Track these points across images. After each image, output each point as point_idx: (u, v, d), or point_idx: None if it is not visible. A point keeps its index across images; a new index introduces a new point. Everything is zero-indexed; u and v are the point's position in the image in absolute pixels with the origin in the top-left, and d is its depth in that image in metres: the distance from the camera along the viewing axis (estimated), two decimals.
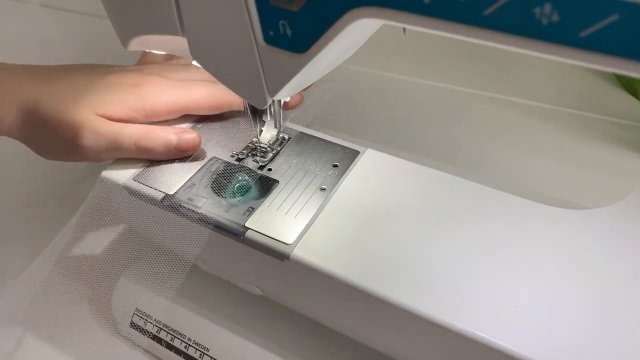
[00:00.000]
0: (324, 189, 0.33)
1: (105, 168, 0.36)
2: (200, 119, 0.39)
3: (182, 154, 0.36)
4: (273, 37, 0.23)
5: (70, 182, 0.51)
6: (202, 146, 0.37)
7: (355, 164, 0.35)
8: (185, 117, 0.39)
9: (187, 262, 0.33)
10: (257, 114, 0.35)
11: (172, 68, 0.41)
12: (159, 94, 0.37)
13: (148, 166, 0.35)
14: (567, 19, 0.15)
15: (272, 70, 0.25)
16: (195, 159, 0.36)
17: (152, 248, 0.37)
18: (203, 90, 0.38)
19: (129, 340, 0.40)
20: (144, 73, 0.39)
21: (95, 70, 0.38)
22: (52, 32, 0.67)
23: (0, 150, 0.53)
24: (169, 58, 0.44)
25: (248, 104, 0.34)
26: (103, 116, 0.35)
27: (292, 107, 0.43)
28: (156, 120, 0.38)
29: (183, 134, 0.35)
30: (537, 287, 0.27)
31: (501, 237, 0.30)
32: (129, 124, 0.36)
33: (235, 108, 0.40)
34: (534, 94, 0.57)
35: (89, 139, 0.35)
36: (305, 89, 0.44)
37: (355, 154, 0.36)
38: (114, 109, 0.36)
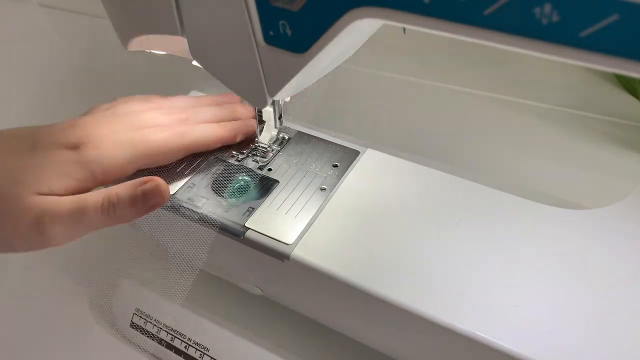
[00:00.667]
0: (324, 189, 0.33)
1: None
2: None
3: (152, 209, 0.30)
4: (273, 37, 0.23)
5: None
6: None
7: (355, 164, 0.35)
8: None
9: (194, 270, 0.33)
10: (256, 114, 0.35)
11: (122, 107, 0.35)
12: (108, 154, 0.31)
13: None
14: (567, 19, 0.15)
15: (272, 70, 0.25)
16: (195, 159, 0.36)
17: (152, 248, 0.37)
18: (163, 135, 0.33)
19: (128, 340, 0.40)
20: (82, 126, 0.32)
21: (21, 137, 0.31)
22: (52, 32, 0.67)
23: None
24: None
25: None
26: (50, 194, 0.29)
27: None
28: (112, 183, 0.31)
29: (146, 185, 0.30)
30: (537, 287, 0.27)
31: (501, 237, 0.30)
32: (86, 197, 0.30)
33: (204, 147, 0.35)
34: (534, 94, 0.57)
35: (56, 227, 0.29)
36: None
37: (355, 154, 0.36)
38: (58, 186, 0.29)
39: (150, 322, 0.39)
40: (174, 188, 0.34)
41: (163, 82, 0.49)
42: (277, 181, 0.34)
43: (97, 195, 0.29)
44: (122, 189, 0.30)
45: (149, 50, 0.32)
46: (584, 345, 0.25)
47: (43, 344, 0.40)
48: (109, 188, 0.30)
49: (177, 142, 0.33)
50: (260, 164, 0.35)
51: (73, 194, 0.30)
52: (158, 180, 0.30)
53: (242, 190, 0.34)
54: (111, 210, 0.29)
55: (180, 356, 0.37)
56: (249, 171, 0.35)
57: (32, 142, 0.31)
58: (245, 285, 0.36)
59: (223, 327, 0.37)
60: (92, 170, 0.31)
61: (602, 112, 0.54)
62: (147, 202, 0.29)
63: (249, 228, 0.31)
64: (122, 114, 0.34)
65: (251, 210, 0.32)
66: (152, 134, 0.32)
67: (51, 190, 0.29)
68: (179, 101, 0.37)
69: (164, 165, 0.34)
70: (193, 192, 0.33)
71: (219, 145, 0.35)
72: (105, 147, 0.31)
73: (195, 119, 0.35)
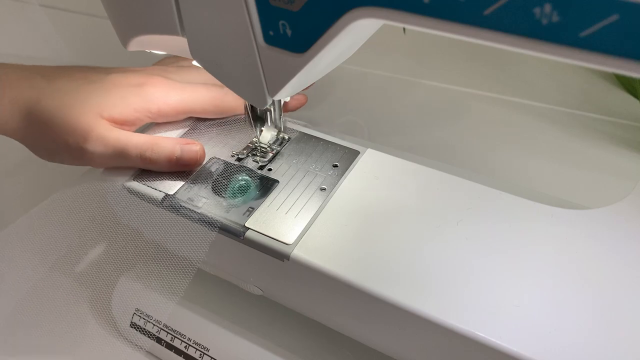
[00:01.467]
0: (324, 189, 0.33)
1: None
2: (201, 119, 0.39)
3: (185, 168, 0.35)
4: (273, 37, 0.23)
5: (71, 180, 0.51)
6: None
7: (355, 164, 0.35)
8: (186, 118, 0.39)
9: (192, 267, 0.33)
10: (257, 114, 0.35)
11: (177, 70, 0.40)
12: (164, 95, 0.36)
13: None
14: (567, 19, 0.15)
15: (272, 70, 0.25)
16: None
17: (152, 248, 0.37)
18: (209, 94, 0.38)
19: (128, 340, 0.40)
20: (146, 74, 0.38)
21: (96, 71, 0.38)
22: (51, 32, 0.67)
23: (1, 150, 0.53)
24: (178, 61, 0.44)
25: (248, 103, 0.34)
26: (108, 119, 0.35)
27: (295, 109, 0.42)
28: (160, 121, 0.38)
29: (187, 147, 0.34)
30: (537, 287, 0.27)
31: (501, 237, 0.30)
32: (135, 134, 0.35)
33: (239, 113, 0.39)
34: (534, 94, 0.57)
35: (96, 147, 0.34)
36: (305, 89, 0.44)
37: (355, 154, 0.36)
38: (119, 112, 0.35)
39: (150, 322, 0.39)
40: (174, 188, 0.34)
41: None
42: (277, 181, 0.34)
43: (141, 138, 0.35)
44: (165, 141, 0.34)
45: (149, 50, 0.32)
46: (584, 345, 0.25)
47: (43, 343, 0.40)
48: (154, 136, 0.36)
49: (218, 103, 0.38)
50: (260, 164, 0.35)
51: (127, 124, 0.36)
52: (198, 146, 0.35)
53: (242, 190, 0.34)
54: (148, 155, 0.34)
55: (180, 356, 0.37)
56: (249, 171, 0.35)
57: (104, 74, 0.37)
58: (245, 285, 0.36)
59: (223, 327, 0.37)
60: (149, 106, 0.36)
61: (602, 112, 0.54)
62: (181, 161, 0.34)
63: (249, 228, 0.31)
64: (179, 72, 0.40)
65: (251, 210, 0.32)
66: (200, 91, 0.38)
67: (110, 115, 0.35)
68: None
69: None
70: (193, 192, 0.33)
71: (239, 113, 0.40)
72: (163, 89, 0.37)
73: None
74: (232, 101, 0.38)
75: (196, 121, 0.39)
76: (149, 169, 0.35)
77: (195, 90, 0.37)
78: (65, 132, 0.34)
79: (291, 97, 0.41)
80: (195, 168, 0.35)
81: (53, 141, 0.35)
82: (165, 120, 0.38)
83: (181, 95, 0.37)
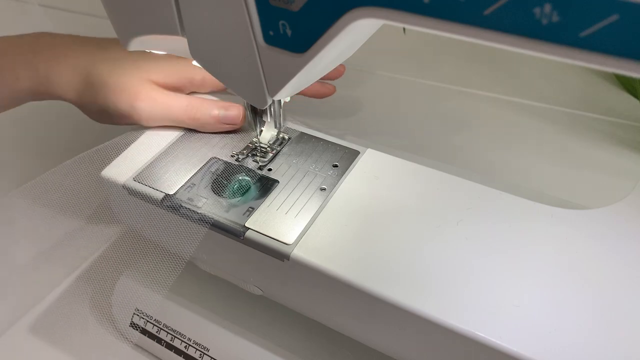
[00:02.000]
0: (324, 189, 0.33)
1: (105, 168, 0.36)
2: None
3: (228, 127, 0.38)
4: (273, 37, 0.23)
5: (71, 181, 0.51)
6: (202, 146, 0.37)
7: (355, 164, 0.35)
8: None
9: (182, 259, 0.33)
10: (257, 113, 0.35)
11: None
12: None
13: (148, 166, 0.35)
14: (567, 19, 0.15)
15: (272, 70, 0.25)
16: (195, 159, 0.36)
17: (152, 248, 0.37)
18: None
19: (129, 340, 0.40)
20: None
21: None
22: (52, 32, 0.67)
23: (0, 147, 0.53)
24: None
25: (248, 103, 0.34)
26: (155, 83, 0.38)
27: (323, 96, 0.46)
28: (202, 91, 0.41)
29: (230, 108, 0.38)
30: (537, 287, 0.27)
31: (501, 237, 0.30)
32: (182, 95, 0.39)
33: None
34: (534, 94, 0.57)
35: (146, 105, 0.37)
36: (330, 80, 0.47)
37: (355, 154, 0.36)
38: (166, 77, 0.39)
39: (150, 322, 0.39)
40: (173, 188, 0.34)
41: None
42: (277, 181, 0.34)
43: (188, 98, 0.38)
44: (210, 101, 0.38)
45: (149, 50, 0.32)
46: (584, 345, 0.25)
47: (43, 343, 0.40)
48: (198, 97, 0.39)
49: None
50: (260, 164, 0.35)
51: (171, 89, 0.39)
52: (240, 107, 0.38)
53: (242, 190, 0.34)
54: (194, 113, 0.37)
55: (180, 356, 0.37)
56: (249, 171, 0.35)
57: None
58: (245, 285, 0.36)
59: (223, 327, 0.37)
60: (193, 75, 0.39)
61: (602, 112, 0.54)
62: (226, 119, 0.38)
63: (249, 228, 0.31)
64: None
65: (251, 210, 0.32)
66: None
67: (158, 79, 0.39)
68: None
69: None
70: (193, 192, 0.33)
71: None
72: None
73: None
74: None
75: None
76: (194, 127, 0.38)
77: None
78: (116, 93, 0.38)
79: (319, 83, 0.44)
80: (237, 126, 0.38)
81: (105, 102, 0.38)
82: (206, 91, 0.41)
83: None
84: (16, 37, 0.41)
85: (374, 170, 0.34)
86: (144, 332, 0.39)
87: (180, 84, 0.39)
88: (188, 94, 0.40)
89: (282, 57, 0.24)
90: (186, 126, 0.38)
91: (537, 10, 0.16)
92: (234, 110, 0.38)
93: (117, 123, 0.40)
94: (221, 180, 0.34)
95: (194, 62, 0.29)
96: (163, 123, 0.38)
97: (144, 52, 0.38)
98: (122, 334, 0.40)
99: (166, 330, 0.38)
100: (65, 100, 0.40)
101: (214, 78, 0.38)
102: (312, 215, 0.31)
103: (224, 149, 0.37)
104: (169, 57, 0.39)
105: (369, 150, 0.36)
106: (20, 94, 0.40)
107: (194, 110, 0.37)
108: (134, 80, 0.38)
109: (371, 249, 0.29)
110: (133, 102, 0.37)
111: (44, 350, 0.39)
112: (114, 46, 0.41)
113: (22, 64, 0.39)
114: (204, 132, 0.38)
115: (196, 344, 0.37)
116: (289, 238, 0.30)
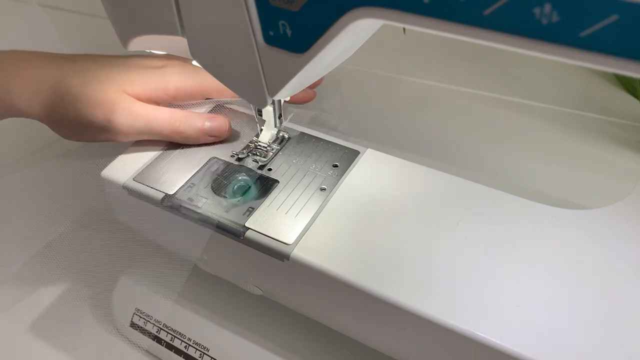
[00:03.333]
0: (324, 189, 0.33)
1: (105, 167, 0.36)
2: None
3: (212, 139, 0.37)
4: (273, 37, 0.23)
5: (71, 183, 0.51)
6: (202, 146, 0.37)
7: (355, 164, 0.35)
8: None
9: (189, 264, 0.33)
10: (257, 113, 0.35)
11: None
12: (184, 77, 0.38)
13: (148, 166, 0.35)
14: (567, 19, 0.15)
15: (272, 70, 0.25)
16: (195, 159, 0.36)
17: (152, 248, 0.37)
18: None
19: (129, 340, 0.40)
20: (166, 58, 0.40)
21: (117, 56, 0.40)
22: (51, 32, 0.67)
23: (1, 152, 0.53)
24: None
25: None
26: (131, 94, 0.36)
27: (304, 102, 0.44)
28: (178, 101, 0.39)
29: (214, 119, 0.36)
30: (537, 287, 0.27)
31: (501, 237, 0.30)
32: (163, 107, 0.37)
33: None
34: (534, 94, 0.57)
35: (124, 119, 0.35)
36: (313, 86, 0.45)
37: (355, 154, 0.36)
38: (141, 88, 0.36)
39: (150, 322, 0.39)
40: (173, 188, 0.34)
41: None
42: (277, 181, 0.34)
43: (170, 110, 0.36)
44: (194, 113, 0.36)
45: (149, 50, 0.32)
46: (584, 345, 0.25)
47: (43, 343, 0.40)
48: (181, 110, 0.37)
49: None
50: (260, 163, 0.35)
51: (147, 101, 0.37)
52: (224, 118, 0.37)
53: (242, 190, 0.34)
54: (178, 126, 0.36)
55: (180, 356, 0.37)
56: (248, 171, 0.35)
57: (125, 58, 0.39)
58: (245, 285, 0.36)
59: (223, 327, 0.37)
60: (168, 85, 0.37)
61: (602, 112, 0.54)
62: (211, 131, 0.36)
63: (249, 228, 0.31)
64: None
65: (251, 210, 0.32)
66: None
67: (133, 91, 0.36)
68: None
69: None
70: (193, 192, 0.33)
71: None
72: (182, 70, 0.38)
73: None
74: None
75: None
76: (177, 141, 0.36)
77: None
78: (91, 106, 0.35)
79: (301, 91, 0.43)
80: (223, 137, 0.37)
81: (77, 116, 0.35)
82: (183, 102, 0.39)
83: (199, 79, 0.38)
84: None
85: (374, 170, 0.34)
86: (144, 332, 0.39)
87: (155, 95, 0.37)
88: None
89: (282, 57, 0.24)
90: (168, 139, 0.36)
91: (537, 10, 0.16)
92: (219, 122, 0.36)
93: (90, 139, 0.37)
94: (221, 180, 0.34)
95: (194, 62, 0.29)
96: (142, 137, 0.36)
97: (116, 62, 0.37)
98: (122, 334, 0.40)
99: (166, 330, 0.38)
100: (29, 117, 0.37)
101: (188, 87, 0.38)
102: (312, 215, 0.31)
103: (224, 149, 0.37)
104: (140, 66, 0.38)
105: (369, 150, 0.36)
106: None
107: (177, 123, 0.36)
108: (109, 91, 0.35)
109: (371, 249, 0.29)
110: (109, 116, 0.34)
111: (44, 351, 0.39)
112: (84, 58, 0.38)
113: None
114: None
115: (196, 344, 0.37)
116: (289, 238, 0.30)
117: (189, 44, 0.27)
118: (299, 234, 0.30)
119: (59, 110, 0.36)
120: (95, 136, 0.36)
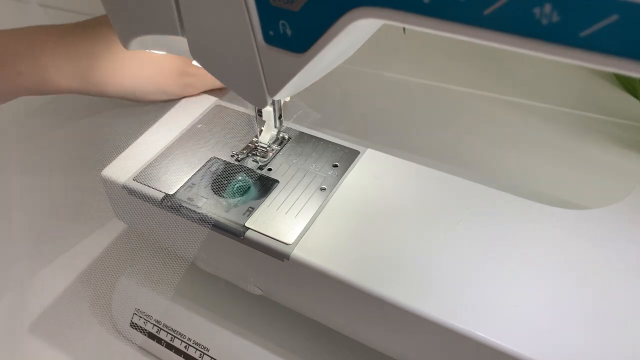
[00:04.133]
0: (324, 189, 0.33)
1: (105, 168, 0.36)
2: (200, 119, 0.39)
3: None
4: (273, 37, 0.23)
5: (70, 186, 0.51)
6: (202, 146, 0.37)
7: (355, 164, 0.35)
8: (188, 115, 0.39)
9: (185, 261, 0.33)
10: (257, 114, 0.35)
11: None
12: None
13: (148, 166, 0.35)
14: (567, 19, 0.15)
15: (272, 70, 0.25)
16: (195, 159, 0.36)
17: (152, 248, 0.37)
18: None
19: (129, 340, 0.40)
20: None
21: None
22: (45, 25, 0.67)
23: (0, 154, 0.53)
24: None
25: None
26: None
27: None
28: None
29: None
30: (537, 287, 0.27)
31: (501, 237, 0.30)
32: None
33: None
34: (534, 94, 0.57)
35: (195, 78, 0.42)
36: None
37: (355, 154, 0.36)
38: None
39: (150, 322, 0.39)
40: (173, 188, 0.34)
41: None
42: (277, 181, 0.34)
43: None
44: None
45: (149, 50, 0.32)
46: (583, 345, 0.25)
47: (43, 343, 0.40)
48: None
49: None
50: (260, 163, 0.35)
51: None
52: None
53: (242, 190, 0.34)
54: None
55: (180, 356, 0.37)
56: (248, 171, 0.35)
57: None
58: (245, 285, 0.36)
59: (223, 327, 0.37)
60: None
61: (602, 112, 0.54)
62: None
63: (249, 228, 0.31)
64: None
65: (251, 210, 0.32)
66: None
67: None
68: None
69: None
70: (193, 192, 0.33)
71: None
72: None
73: None
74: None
75: (195, 122, 0.39)
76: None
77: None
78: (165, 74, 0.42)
79: None
80: None
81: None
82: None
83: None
84: (16, 31, 0.41)
85: (373, 170, 0.34)
86: (144, 332, 0.39)
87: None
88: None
89: (282, 57, 0.24)
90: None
91: (537, 10, 0.16)
92: None
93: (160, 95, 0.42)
94: (221, 180, 0.34)
95: (194, 62, 0.29)
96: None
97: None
98: (122, 334, 0.40)
99: (166, 330, 0.38)
100: (69, 91, 0.41)
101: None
102: (312, 215, 0.31)
103: (224, 149, 0.37)
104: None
105: (369, 150, 0.36)
106: (19, 87, 0.41)
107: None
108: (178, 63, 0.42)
109: (371, 249, 0.29)
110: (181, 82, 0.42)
111: (44, 351, 0.39)
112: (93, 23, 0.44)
113: (23, 58, 0.40)
114: (204, 132, 0.38)
115: (196, 344, 0.37)
116: (289, 238, 0.30)
117: (189, 44, 0.27)
118: (299, 234, 0.30)
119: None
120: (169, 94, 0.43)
